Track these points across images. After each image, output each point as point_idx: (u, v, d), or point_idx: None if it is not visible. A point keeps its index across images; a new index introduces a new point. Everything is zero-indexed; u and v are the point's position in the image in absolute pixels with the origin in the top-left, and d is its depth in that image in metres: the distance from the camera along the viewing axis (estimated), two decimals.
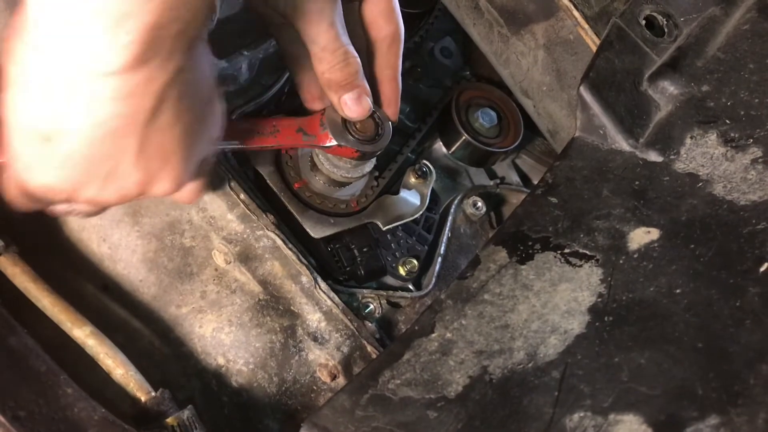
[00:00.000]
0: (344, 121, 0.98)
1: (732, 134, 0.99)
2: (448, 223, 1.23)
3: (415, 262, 1.15)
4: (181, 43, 0.64)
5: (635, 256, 0.87)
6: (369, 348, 1.03)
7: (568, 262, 0.88)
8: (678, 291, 0.81)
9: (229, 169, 1.03)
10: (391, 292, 1.13)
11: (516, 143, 1.35)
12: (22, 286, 0.89)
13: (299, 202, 1.07)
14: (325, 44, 0.90)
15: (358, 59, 0.93)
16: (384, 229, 1.10)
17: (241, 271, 1.01)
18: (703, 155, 0.98)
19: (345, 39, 0.91)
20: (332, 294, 1.03)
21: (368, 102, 0.95)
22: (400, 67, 1.03)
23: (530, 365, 0.77)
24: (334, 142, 0.97)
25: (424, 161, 1.17)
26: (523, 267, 0.88)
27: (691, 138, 1.00)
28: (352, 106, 0.94)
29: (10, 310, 0.83)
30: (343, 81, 0.92)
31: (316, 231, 1.06)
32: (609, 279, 0.85)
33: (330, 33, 0.89)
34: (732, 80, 1.05)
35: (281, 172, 1.08)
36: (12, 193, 0.75)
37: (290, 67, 1.02)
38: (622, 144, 1.01)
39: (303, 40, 0.92)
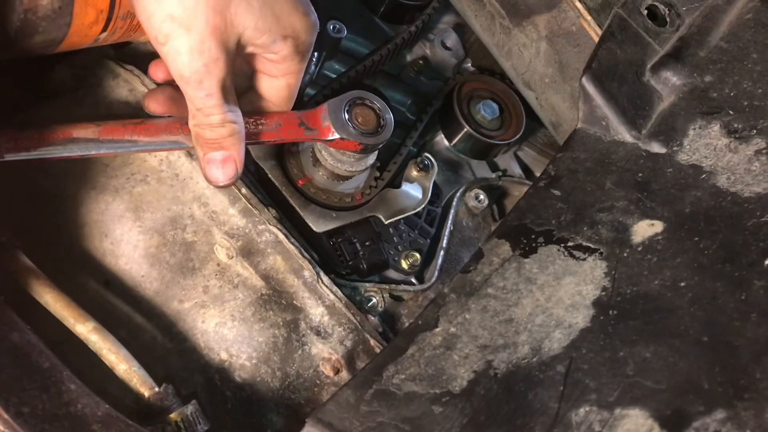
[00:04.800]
0: (347, 114, 0.97)
1: (735, 125, 0.98)
2: (451, 216, 1.22)
3: (417, 255, 1.15)
4: None
5: (639, 249, 0.86)
6: (372, 342, 1.03)
7: (572, 256, 0.87)
8: (683, 284, 0.81)
9: None
10: (393, 286, 1.12)
11: (518, 135, 1.34)
12: (25, 283, 0.88)
13: (301, 196, 1.07)
14: (201, 107, 0.83)
15: (239, 126, 0.85)
16: (386, 222, 1.10)
17: (244, 266, 1.01)
18: (707, 146, 0.97)
19: (227, 107, 0.83)
20: (335, 288, 1.03)
21: (234, 169, 0.87)
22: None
23: (535, 360, 0.77)
24: (336, 136, 0.97)
25: (426, 154, 1.17)
26: (526, 260, 0.88)
27: (694, 129, 0.99)
28: (214, 167, 0.86)
29: (13, 306, 0.83)
30: (212, 141, 0.85)
31: (318, 225, 1.05)
32: (613, 272, 0.84)
33: (207, 101, 0.82)
34: (735, 70, 1.04)
35: (283, 166, 1.08)
36: None
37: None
38: (625, 135, 1.00)
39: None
